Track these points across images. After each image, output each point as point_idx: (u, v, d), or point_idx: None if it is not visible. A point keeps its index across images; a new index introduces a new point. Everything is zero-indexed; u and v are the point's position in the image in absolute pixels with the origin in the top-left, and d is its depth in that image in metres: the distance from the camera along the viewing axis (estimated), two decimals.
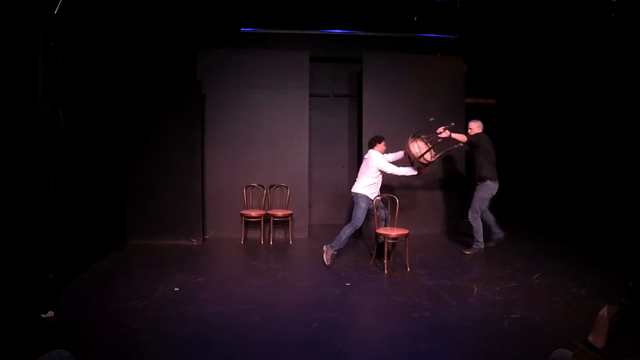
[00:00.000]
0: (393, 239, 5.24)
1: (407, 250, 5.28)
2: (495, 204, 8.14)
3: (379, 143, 5.58)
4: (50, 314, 3.68)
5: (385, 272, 5.06)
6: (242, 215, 6.46)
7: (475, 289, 4.50)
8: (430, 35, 7.46)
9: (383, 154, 5.60)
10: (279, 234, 6.73)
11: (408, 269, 5.15)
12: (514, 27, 7.27)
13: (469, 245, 6.01)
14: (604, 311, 1.51)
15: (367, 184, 5.44)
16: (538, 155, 7.43)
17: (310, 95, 7.01)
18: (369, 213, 5.46)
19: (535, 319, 3.73)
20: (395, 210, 5.33)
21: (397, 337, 3.47)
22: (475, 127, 6.12)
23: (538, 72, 7.39)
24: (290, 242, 6.52)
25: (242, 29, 7.18)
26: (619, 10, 5.42)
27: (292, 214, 6.56)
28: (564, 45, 6.68)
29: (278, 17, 7.15)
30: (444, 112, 7.02)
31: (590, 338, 1.50)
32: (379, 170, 5.43)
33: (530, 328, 3.58)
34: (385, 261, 5.12)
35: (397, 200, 5.33)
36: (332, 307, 4.05)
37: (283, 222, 6.68)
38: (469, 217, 5.94)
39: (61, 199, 4.19)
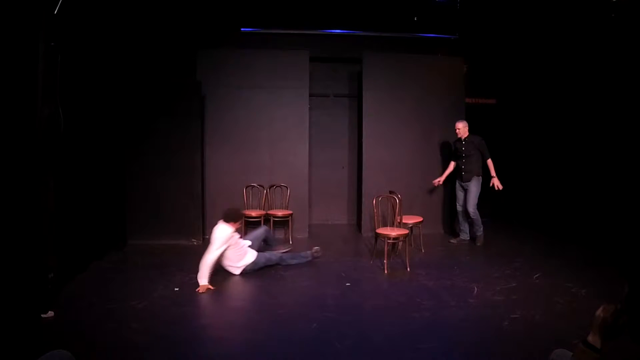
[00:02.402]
0: (393, 239, 5.23)
1: (407, 250, 5.29)
2: (495, 204, 8.16)
3: (236, 221, 4.88)
4: (50, 314, 3.68)
5: (385, 272, 5.06)
6: (242, 215, 6.45)
7: (475, 289, 4.50)
8: (430, 35, 7.46)
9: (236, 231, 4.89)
10: (279, 234, 6.72)
11: (408, 269, 5.15)
12: (513, 27, 7.27)
13: (474, 237, 6.33)
14: (599, 311, 1.52)
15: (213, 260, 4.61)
16: (538, 155, 7.43)
17: (310, 95, 7.01)
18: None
19: (535, 319, 3.73)
20: (396, 210, 5.33)
21: (397, 337, 3.47)
22: (463, 126, 6.31)
23: (538, 72, 7.39)
24: (290, 242, 6.52)
25: (242, 29, 7.18)
26: (619, 10, 5.42)
27: (292, 214, 6.56)
28: (564, 45, 6.68)
29: (278, 17, 7.16)
30: (444, 112, 7.05)
31: (590, 338, 1.52)
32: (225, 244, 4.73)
33: (530, 328, 3.57)
34: (385, 261, 5.12)
35: (398, 200, 5.34)
36: (332, 307, 4.05)
37: (283, 222, 6.68)
38: (472, 212, 6.13)
39: (61, 199, 4.19)
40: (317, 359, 3.15)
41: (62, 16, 3.96)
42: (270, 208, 6.66)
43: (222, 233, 4.73)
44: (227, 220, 4.82)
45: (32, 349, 3.04)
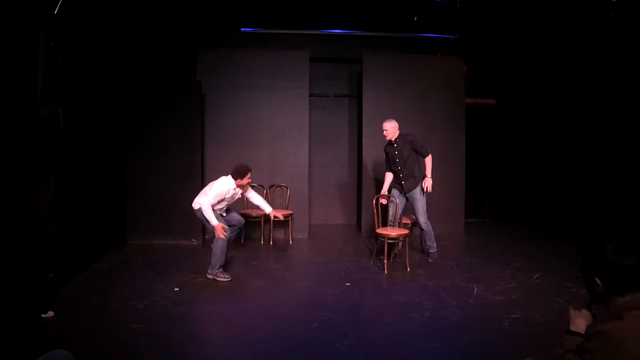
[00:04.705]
0: (393, 239, 5.23)
1: (407, 250, 5.29)
2: (495, 204, 8.15)
3: (242, 178, 4.77)
4: (50, 314, 3.68)
5: (385, 272, 5.06)
6: (242, 215, 6.45)
7: (475, 289, 4.50)
8: (430, 35, 7.46)
9: (240, 188, 4.83)
10: (279, 234, 6.73)
11: (408, 269, 5.15)
12: (514, 27, 7.28)
13: (427, 253, 5.60)
14: (569, 309, 1.78)
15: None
16: (538, 154, 7.43)
17: (310, 95, 7.01)
18: None
19: (535, 319, 3.73)
20: (396, 211, 5.33)
21: (397, 337, 3.47)
22: (392, 127, 5.36)
23: (538, 72, 7.38)
24: (290, 242, 6.52)
25: (242, 29, 7.18)
26: (619, 10, 5.42)
27: (292, 214, 6.56)
28: (564, 45, 6.68)
29: (278, 17, 7.15)
30: (444, 112, 7.06)
31: (572, 327, 1.72)
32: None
33: (530, 328, 3.58)
34: (385, 261, 5.12)
35: (397, 201, 5.33)
36: (332, 307, 4.05)
37: (283, 222, 6.67)
38: (423, 223, 5.39)
39: (61, 199, 4.19)
40: (317, 359, 3.15)
41: (62, 16, 3.96)
42: None
43: (221, 186, 4.69)
44: (234, 176, 4.76)
45: (32, 349, 3.04)
